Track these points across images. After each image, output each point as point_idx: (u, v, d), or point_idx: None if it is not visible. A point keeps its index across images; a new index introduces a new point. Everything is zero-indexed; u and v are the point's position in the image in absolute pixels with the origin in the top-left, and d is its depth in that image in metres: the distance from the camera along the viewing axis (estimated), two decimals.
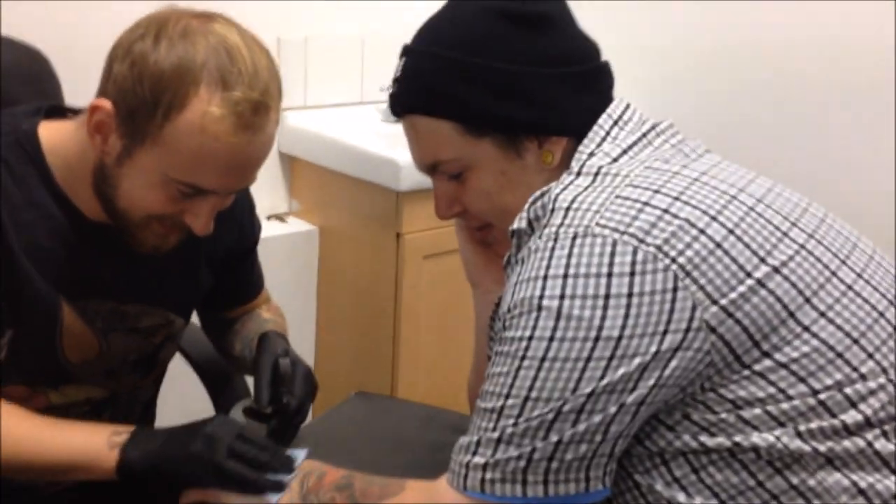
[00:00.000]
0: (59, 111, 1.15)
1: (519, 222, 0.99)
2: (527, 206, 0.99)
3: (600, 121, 1.03)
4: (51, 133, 1.10)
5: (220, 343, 1.40)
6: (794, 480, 0.89)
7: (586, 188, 0.95)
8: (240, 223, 1.27)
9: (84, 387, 1.19)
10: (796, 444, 0.89)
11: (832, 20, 1.97)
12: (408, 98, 1.05)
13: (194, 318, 1.36)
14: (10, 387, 1.12)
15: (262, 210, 2.14)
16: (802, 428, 0.89)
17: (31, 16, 1.76)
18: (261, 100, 1.01)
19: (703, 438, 0.91)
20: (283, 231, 2.15)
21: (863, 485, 0.89)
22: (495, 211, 1.06)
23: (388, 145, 2.05)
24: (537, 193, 0.98)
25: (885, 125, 1.92)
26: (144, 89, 0.99)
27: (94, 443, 1.05)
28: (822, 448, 0.89)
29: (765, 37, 2.08)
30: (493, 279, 1.16)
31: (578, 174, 0.98)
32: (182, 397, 1.51)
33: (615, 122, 1.03)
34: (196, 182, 1.03)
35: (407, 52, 1.06)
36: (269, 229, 2.11)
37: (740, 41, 2.12)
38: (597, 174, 0.97)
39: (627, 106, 1.05)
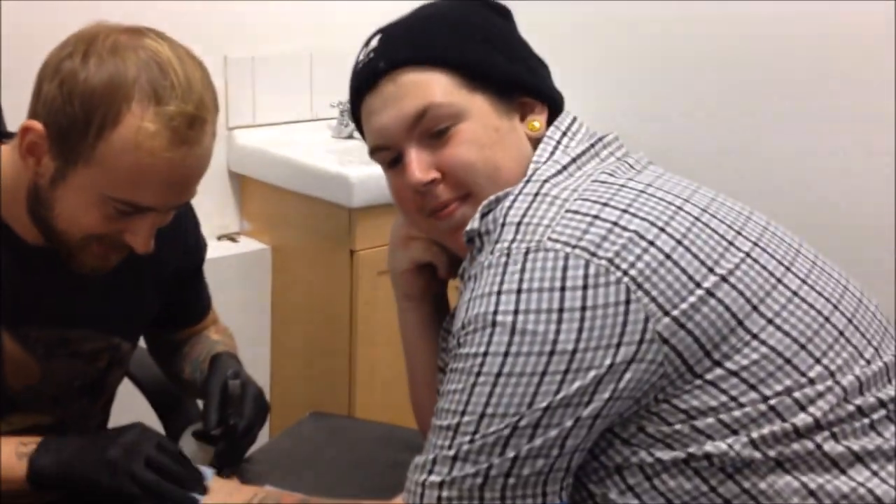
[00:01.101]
0: None
1: (473, 223, 0.97)
2: (479, 213, 0.97)
3: (549, 132, 1.03)
4: None
5: (167, 367, 1.38)
6: (746, 484, 0.90)
7: (534, 198, 0.95)
8: (184, 243, 1.25)
9: (30, 415, 1.16)
10: (748, 451, 0.90)
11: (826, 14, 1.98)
12: (398, 52, 1.01)
13: (141, 342, 1.34)
14: None
15: (212, 230, 2.13)
16: (755, 435, 0.90)
17: None
18: (196, 113, 0.99)
19: (659, 453, 0.91)
20: (235, 251, 2.14)
21: (812, 486, 0.89)
22: (486, 166, 1.00)
23: (340, 161, 2.05)
24: (491, 199, 0.97)
25: (883, 123, 1.93)
26: (75, 108, 0.97)
27: (1, 453, 1.04)
28: (771, 453, 0.89)
29: (756, 34, 2.08)
30: (429, 298, 1.15)
31: (527, 182, 0.98)
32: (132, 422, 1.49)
33: (564, 133, 1.04)
34: (134, 200, 1.01)
35: (382, 30, 1.05)
36: (220, 249, 2.09)
37: (733, 38, 2.13)
38: (544, 183, 0.97)
39: (574, 119, 1.06)
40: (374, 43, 1.04)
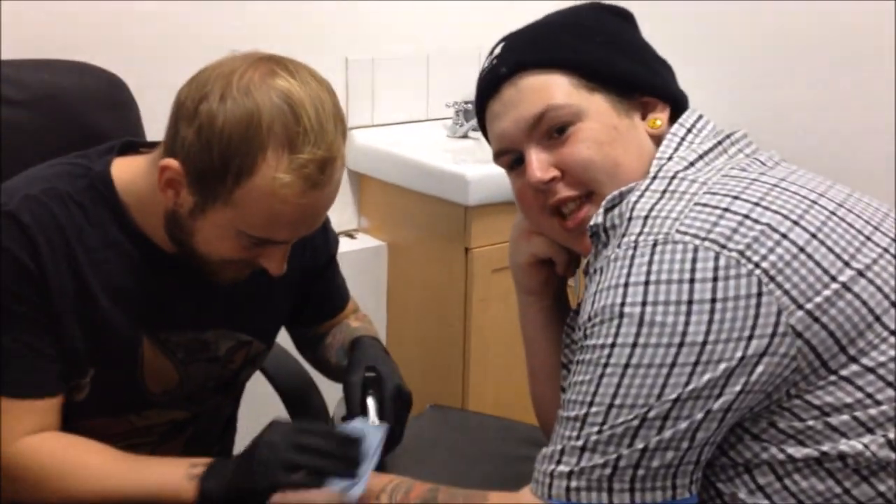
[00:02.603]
0: (132, 146, 1.17)
1: (597, 218, 0.98)
2: (603, 208, 0.98)
3: (673, 129, 1.03)
4: (123, 171, 1.12)
5: (315, 359, 1.40)
6: (882, 487, 0.88)
7: (662, 194, 0.95)
8: (311, 243, 1.28)
9: (166, 410, 1.21)
10: (885, 452, 0.88)
11: None
12: (519, 56, 1.04)
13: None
14: (92, 419, 1.15)
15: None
16: (892, 435, 0.88)
17: (109, 42, 1.82)
18: (327, 156, 1.01)
19: (791, 450, 0.89)
20: (353, 247, 2.17)
21: None
22: (606, 163, 1.01)
23: (455, 160, 2.07)
24: (615, 195, 0.97)
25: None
26: (213, 156, 1.00)
27: (173, 476, 1.07)
28: None
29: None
30: (549, 293, 1.16)
31: (654, 178, 0.98)
32: (261, 416, 1.53)
33: (689, 130, 1.03)
34: (268, 237, 1.06)
35: (503, 39, 1.08)
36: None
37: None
38: (673, 178, 0.97)
39: (700, 116, 1.06)
40: (498, 50, 1.07)
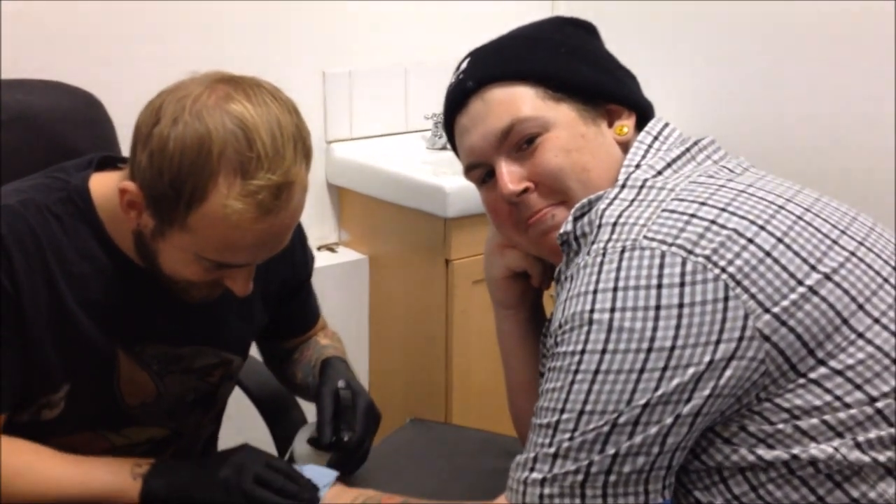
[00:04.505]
0: (111, 162, 1.17)
1: (566, 225, 0.99)
2: (572, 216, 0.98)
3: (639, 137, 1.04)
4: (100, 186, 1.12)
5: (281, 373, 1.41)
6: (855, 493, 0.88)
7: (631, 202, 0.96)
8: (292, 257, 1.28)
9: (146, 428, 1.21)
10: (855, 454, 0.88)
11: None
12: (485, 70, 1.05)
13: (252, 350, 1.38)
14: (71, 436, 1.15)
15: (311, 240, 2.15)
16: (861, 438, 0.88)
17: (84, 61, 1.82)
18: (282, 181, 1.00)
19: (761, 451, 0.90)
20: (334, 261, 2.18)
21: None
22: (575, 169, 1.02)
23: (435, 172, 2.07)
24: (584, 202, 0.98)
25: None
26: (164, 182, 1.00)
27: (117, 474, 1.07)
28: (881, 458, 0.88)
29: None
30: (526, 306, 1.17)
31: (623, 187, 0.99)
32: (240, 429, 1.53)
33: (655, 138, 1.04)
34: (226, 261, 1.05)
35: (469, 54, 1.09)
36: (319, 259, 2.11)
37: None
38: (641, 187, 0.98)
39: (666, 124, 1.07)
40: (464, 65, 1.08)
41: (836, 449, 0.88)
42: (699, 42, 2.26)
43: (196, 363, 1.21)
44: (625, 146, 1.05)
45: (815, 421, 0.89)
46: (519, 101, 1.03)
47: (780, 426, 0.89)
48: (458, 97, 1.06)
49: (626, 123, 1.06)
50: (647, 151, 1.03)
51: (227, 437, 1.42)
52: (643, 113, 1.09)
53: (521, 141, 1.03)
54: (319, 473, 1.12)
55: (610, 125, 1.06)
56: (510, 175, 1.03)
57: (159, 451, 1.23)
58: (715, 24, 2.23)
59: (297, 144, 1.02)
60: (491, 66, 1.06)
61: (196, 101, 0.99)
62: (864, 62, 2.00)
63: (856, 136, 2.04)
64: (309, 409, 1.39)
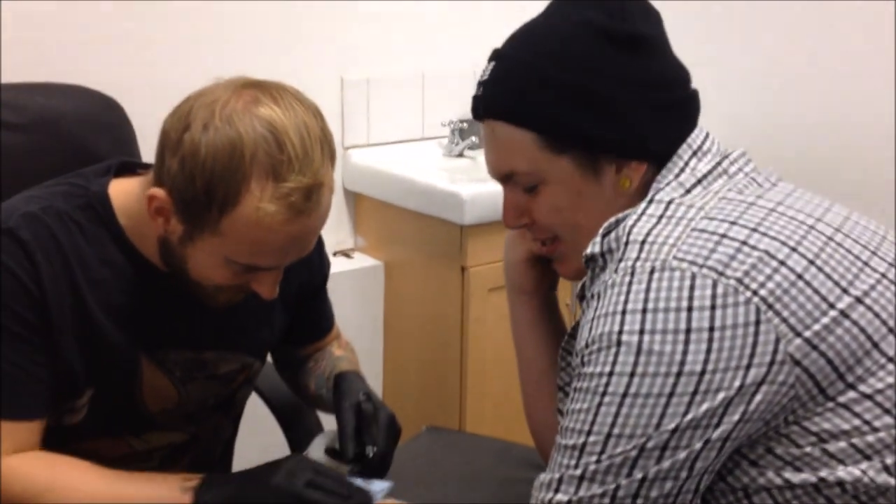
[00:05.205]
0: (129, 167, 1.17)
1: (593, 247, 0.98)
2: (600, 235, 0.98)
3: (680, 151, 1.01)
4: (120, 192, 1.12)
5: (293, 381, 1.41)
6: None
7: (659, 219, 0.95)
8: (309, 262, 1.27)
9: (167, 433, 1.21)
10: (883, 477, 0.87)
11: None
12: (492, 103, 1.03)
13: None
14: (91, 440, 1.15)
15: (327, 246, 2.15)
16: (889, 461, 0.88)
17: (104, 64, 1.82)
18: (312, 182, 1.00)
19: (788, 474, 0.89)
20: (349, 267, 2.17)
21: None
22: (565, 227, 1.04)
23: (451, 179, 2.07)
24: (612, 221, 0.98)
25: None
26: (197, 186, 1.00)
27: (167, 490, 1.06)
28: None
29: None
30: (541, 293, 1.16)
31: (650, 202, 0.98)
32: (255, 433, 1.53)
33: (694, 153, 1.01)
34: (256, 264, 1.05)
35: (497, 56, 1.05)
36: (335, 265, 2.11)
37: None
38: (669, 203, 0.96)
39: (707, 135, 1.04)
40: (488, 72, 1.05)
41: (863, 472, 0.87)
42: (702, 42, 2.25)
43: (220, 369, 1.21)
44: (630, 198, 1.01)
45: (842, 444, 0.88)
46: (519, 150, 1.02)
47: (808, 449, 0.89)
48: (475, 110, 1.07)
49: (632, 176, 1.01)
50: (683, 168, 1.00)
51: (243, 442, 1.42)
52: (659, 158, 1.01)
53: (520, 186, 1.04)
54: (371, 485, 1.11)
55: (619, 170, 1.01)
56: (513, 208, 1.06)
57: (178, 456, 1.23)
58: (716, 22, 2.22)
59: (323, 146, 1.03)
60: (500, 99, 1.02)
61: (225, 106, 1.00)
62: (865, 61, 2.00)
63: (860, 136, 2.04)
64: (324, 416, 1.38)
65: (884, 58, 1.97)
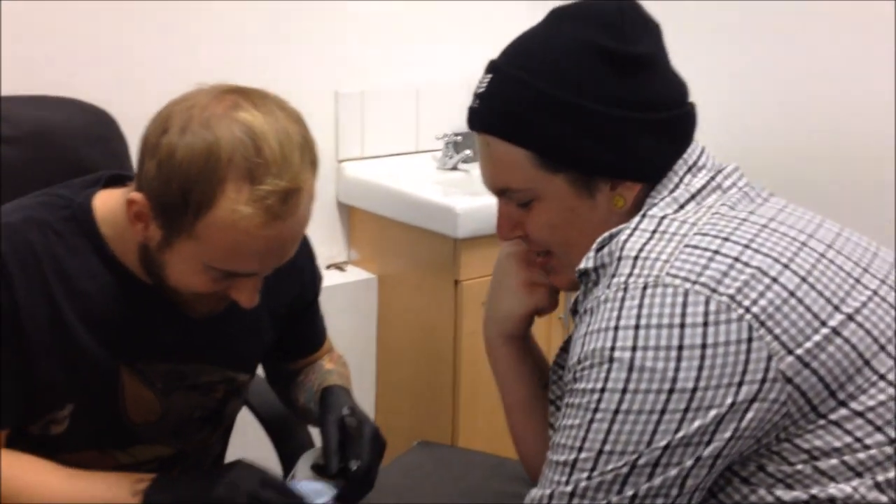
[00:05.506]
0: (120, 179, 1.17)
1: (586, 262, 0.98)
2: (593, 250, 0.98)
3: (675, 167, 1.00)
4: (104, 202, 1.12)
5: (284, 394, 1.40)
6: None
7: (652, 235, 0.95)
8: (301, 276, 1.28)
9: (153, 446, 1.20)
10: (874, 494, 0.87)
11: None
12: (489, 118, 1.03)
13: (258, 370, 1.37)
14: (78, 452, 1.14)
15: (321, 259, 2.15)
16: (880, 478, 0.88)
17: (97, 77, 1.82)
18: (290, 186, 1.00)
19: (779, 492, 0.89)
20: (343, 280, 2.17)
21: None
22: (558, 243, 1.04)
23: (445, 193, 2.07)
24: (605, 236, 0.98)
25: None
26: (173, 189, 0.99)
27: (117, 490, 1.06)
28: None
29: None
30: (527, 333, 1.17)
31: (643, 216, 0.97)
32: (246, 448, 1.52)
33: (689, 169, 1.01)
34: (234, 269, 1.05)
35: (494, 69, 1.04)
36: (328, 278, 2.12)
37: None
38: (662, 219, 0.96)
39: (702, 151, 1.03)
40: (484, 85, 1.03)
41: (854, 489, 0.87)
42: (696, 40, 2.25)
43: (201, 379, 1.20)
44: (623, 215, 1.00)
45: (834, 462, 0.88)
46: (513, 167, 1.01)
47: (800, 467, 0.89)
48: (470, 123, 1.06)
49: (626, 195, 1.00)
50: (677, 184, 1.00)
51: (235, 455, 1.41)
52: (652, 176, 1.01)
53: (515, 201, 1.04)
54: (315, 490, 1.12)
55: (613, 187, 1.01)
56: (507, 220, 1.06)
57: (166, 470, 1.22)
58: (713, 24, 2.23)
59: (304, 152, 1.02)
60: (496, 115, 1.02)
61: (204, 110, 1.00)
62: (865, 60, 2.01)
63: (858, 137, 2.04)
64: (315, 431, 1.38)
65: (882, 67, 1.97)
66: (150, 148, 1.02)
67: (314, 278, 1.33)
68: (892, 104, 1.95)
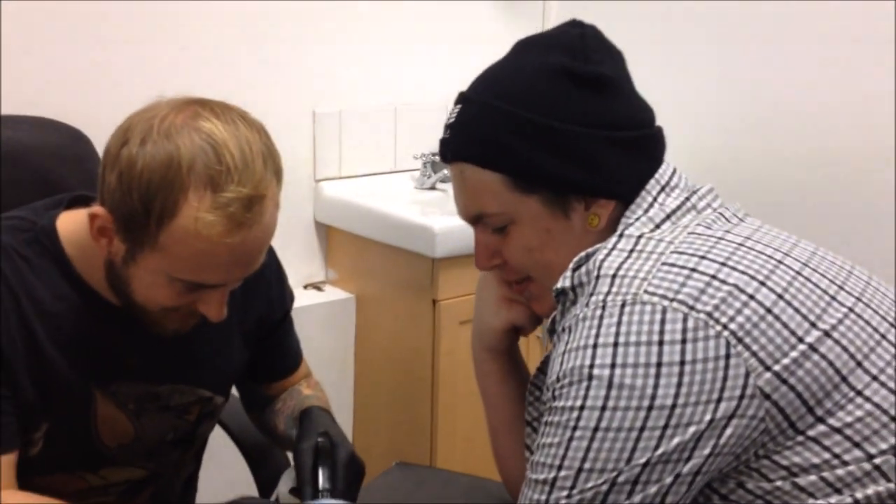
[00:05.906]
0: (83, 200, 1.16)
1: (563, 281, 0.98)
2: (570, 269, 0.98)
3: (648, 186, 1.02)
4: (68, 223, 1.11)
5: (260, 422, 1.39)
6: None
7: (630, 254, 0.95)
8: (268, 292, 1.27)
9: (124, 469, 1.19)
10: None
11: None
12: (460, 146, 1.04)
13: (234, 392, 1.36)
14: (50, 476, 1.13)
15: (298, 279, 2.17)
16: (859, 495, 0.88)
17: (72, 97, 1.81)
18: (253, 193, 0.99)
19: None
20: (320, 299, 2.16)
21: None
22: (536, 266, 1.05)
23: (423, 212, 2.07)
24: (582, 255, 0.98)
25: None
26: (134, 200, 0.99)
27: None
28: None
29: None
30: (512, 350, 1.17)
31: (620, 236, 0.98)
32: (222, 470, 1.51)
33: (662, 188, 1.03)
34: (199, 280, 1.04)
35: (463, 99, 1.06)
36: (305, 298, 2.13)
37: None
38: (639, 238, 0.97)
39: (674, 171, 1.05)
40: (454, 115, 1.05)
41: None
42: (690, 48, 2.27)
43: (173, 401, 1.19)
44: (599, 234, 1.02)
45: (813, 478, 0.88)
46: (487, 192, 1.02)
47: (779, 483, 0.89)
48: (442, 154, 1.07)
49: (600, 213, 1.02)
50: (651, 204, 1.01)
51: (209, 478, 1.40)
52: (627, 195, 1.02)
53: (491, 227, 1.05)
54: None
55: (588, 207, 1.02)
56: (484, 249, 1.07)
57: (136, 492, 1.21)
58: (706, 30, 2.24)
59: (266, 160, 1.02)
60: (468, 142, 1.03)
61: (164, 121, 1.00)
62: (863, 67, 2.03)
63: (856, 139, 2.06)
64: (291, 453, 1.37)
65: (862, 82, 2.00)
66: (111, 160, 1.01)
67: (283, 293, 1.32)
68: (871, 120, 1.97)
